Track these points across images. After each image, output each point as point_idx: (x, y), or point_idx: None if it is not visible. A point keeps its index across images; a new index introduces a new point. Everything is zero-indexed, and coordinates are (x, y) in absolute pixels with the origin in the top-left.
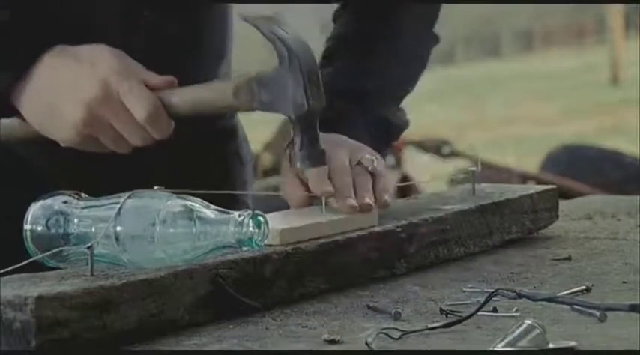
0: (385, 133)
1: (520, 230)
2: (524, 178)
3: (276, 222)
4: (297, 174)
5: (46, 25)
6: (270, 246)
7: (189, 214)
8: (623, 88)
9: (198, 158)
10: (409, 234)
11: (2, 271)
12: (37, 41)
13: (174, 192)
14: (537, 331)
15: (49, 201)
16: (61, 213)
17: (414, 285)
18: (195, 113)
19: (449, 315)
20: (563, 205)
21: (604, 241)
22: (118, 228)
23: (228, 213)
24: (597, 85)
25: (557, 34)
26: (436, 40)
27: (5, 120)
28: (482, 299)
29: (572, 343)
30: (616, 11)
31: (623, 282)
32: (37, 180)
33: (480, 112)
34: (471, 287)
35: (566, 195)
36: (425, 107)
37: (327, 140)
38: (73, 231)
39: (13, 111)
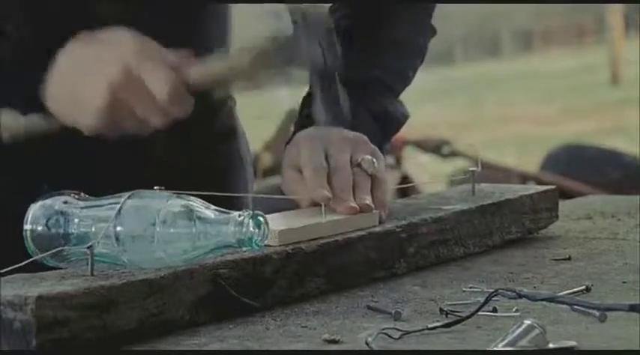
0: (386, 125)
1: (520, 230)
2: (524, 178)
3: (275, 222)
4: (297, 169)
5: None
6: (270, 246)
7: (190, 214)
8: (623, 87)
9: (199, 158)
10: (409, 234)
11: (2, 271)
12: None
13: (174, 192)
14: (537, 331)
15: (49, 201)
16: (61, 212)
17: (414, 285)
18: (215, 86)
19: (449, 315)
20: (563, 205)
21: (604, 241)
22: (118, 228)
23: (228, 213)
24: (597, 84)
25: (557, 34)
26: (433, 31)
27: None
28: (482, 299)
29: (572, 343)
30: (616, 11)
31: (623, 282)
32: (37, 177)
33: (479, 112)
34: (470, 287)
35: (566, 195)
36: (425, 107)
37: (328, 135)
38: (73, 230)
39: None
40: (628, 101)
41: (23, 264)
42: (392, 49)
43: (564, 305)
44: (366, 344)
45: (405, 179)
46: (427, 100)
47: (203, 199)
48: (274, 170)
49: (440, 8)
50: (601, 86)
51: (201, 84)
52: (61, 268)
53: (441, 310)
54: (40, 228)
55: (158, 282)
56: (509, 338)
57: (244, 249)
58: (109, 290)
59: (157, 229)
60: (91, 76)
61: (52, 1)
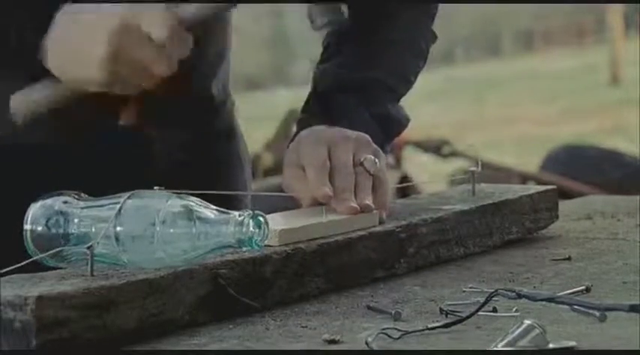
0: (387, 127)
1: (520, 230)
2: (524, 178)
3: (275, 222)
4: (299, 167)
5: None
6: (270, 246)
7: (189, 214)
8: (623, 87)
9: (198, 159)
10: (409, 234)
11: (2, 271)
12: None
13: (173, 192)
14: (537, 331)
15: (49, 201)
16: (61, 213)
17: (414, 285)
18: (210, 17)
19: (449, 315)
20: (563, 205)
21: (604, 241)
22: (118, 228)
23: (228, 213)
24: (597, 84)
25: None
26: (434, 36)
27: (23, 94)
28: (482, 300)
29: (572, 343)
30: (616, 11)
31: (623, 282)
32: (37, 177)
33: (480, 112)
34: (470, 288)
35: (566, 195)
36: (425, 107)
37: (331, 134)
38: (73, 231)
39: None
40: (628, 101)
41: (23, 264)
42: (392, 51)
43: (564, 306)
44: (366, 344)
45: (404, 179)
46: (427, 100)
47: (203, 198)
48: (274, 170)
49: (441, 9)
50: (601, 86)
51: (195, 21)
52: (61, 268)
53: (441, 310)
54: (39, 228)
55: (158, 282)
56: (509, 338)
57: (244, 249)
58: (109, 290)
59: (156, 229)
60: (90, 30)
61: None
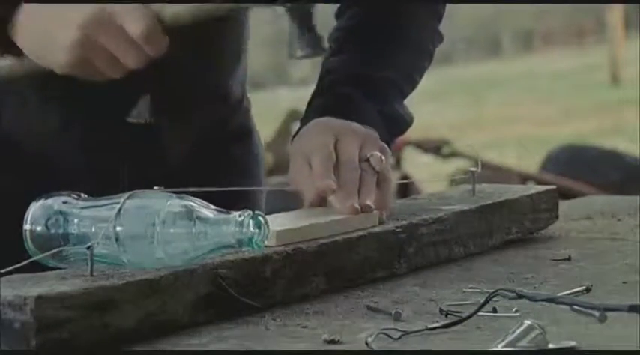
0: (393, 126)
1: (520, 230)
2: (524, 178)
3: (273, 223)
4: (305, 158)
5: None
6: (269, 246)
7: (190, 214)
8: (623, 87)
9: (216, 159)
10: (409, 234)
11: (2, 271)
12: None
13: (172, 191)
14: (537, 331)
15: (48, 201)
16: (61, 213)
17: (414, 286)
18: (188, 22)
19: (449, 315)
20: (563, 205)
21: (604, 241)
22: (118, 228)
23: (228, 214)
24: (597, 85)
25: (557, 34)
26: (441, 37)
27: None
28: (482, 300)
29: (572, 343)
30: (616, 11)
31: (623, 283)
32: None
33: (480, 112)
34: (470, 288)
35: (566, 195)
36: (425, 107)
37: (339, 126)
38: (72, 231)
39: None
40: (628, 101)
41: (23, 264)
42: (402, 50)
43: (564, 306)
44: (366, 344)
45: (405, 179)
46: (427, 100)
47: (219, 198)
48: (275, 170)
49: None
50: (601, 86)
51: (174, 22)
52: (61, 268)
53: (441, 310)
54: (39, 228)
55: (158, 282)
56: (509, 338)
57: (244, 249)
58: (109, 290)
59: (156, 229)
60: (63, 17)
61: None
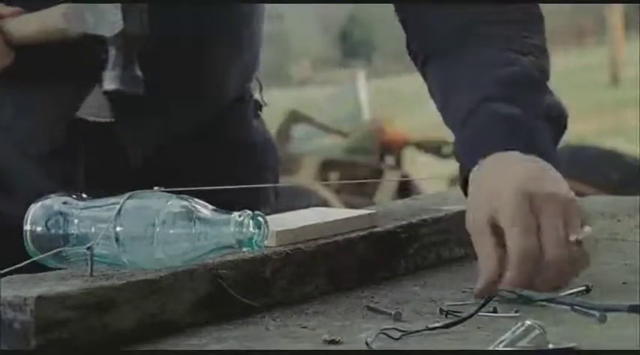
0: (560, 126)
1: None
2: None
3: (273, 223)
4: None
5: None
6: (269, 247)
7: (189, 215)
8: (623, 88)
9: (235, 171)
10: (409, 234)
11: (2, 271)
12: None
13: (170, 190)
14: (537, 331)
15: (48, 202)
16: (61, 213)
17: (414, 286)
18: (30, 40)
19: (449, 316)
20: None
21: (604, 241)
22: (118, 229)
23: (228, 214)
24: (597, 85)
25: (557, 35)
26: (542, 51)
27: None
28: (482, 300)
29: (572, 344)
30: (616, 11)
31: (623, 283)
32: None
33: None
34: (471, 288)
35: None
36: (425, 107)
37: (538, 188)
38: (72, 231)
39: None
40: (628, 101)
41: (23, 264)
42: (533, 41)
43: (564, 306)
44: (366, 344)
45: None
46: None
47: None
48: None
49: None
50: (601, 86)
51: (18, 36)
52: (61, 269)
53: (441, 310)
54: (39, 229)
55: (158, 283)
56: (510, 338)
57: (244, 249)
58: (109, 290)
59: (156, 230)
60: None
61: None
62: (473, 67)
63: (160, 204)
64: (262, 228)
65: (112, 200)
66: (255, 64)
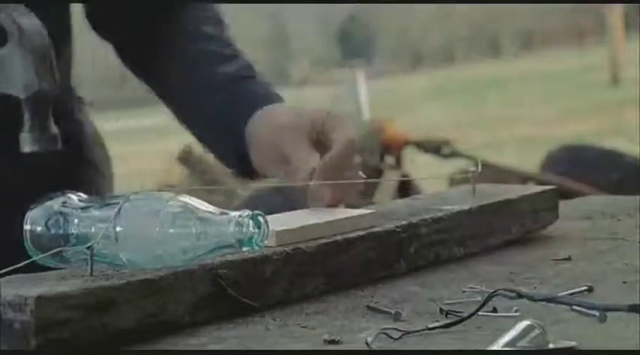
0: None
1: (520, 230)
2: (525, 178)
3: (273, 223)
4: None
5: None
6: (269, 247)
7: (189, 214)
8: (623, 88)
9: (45, 166)
10: (409, 234)
11: (2, 271)
12: None
13: (174, 192)
14: (537, 331)
15: (48, 202)
16: (61, 213)
17: (414, 285)
18: None
19: (449, 315)
20: (564, 205)
21: (604, 241)
22: (118, 228)
23: (228, 213)
24: (597, 85)
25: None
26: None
27: None
28: (482, 300)
29: (572, 343)
30: (616, 11)
31: (623, 282)
32: None
33: (480, 112)
34: (470, 288)
35: (567, 195)
36: (425, 107)
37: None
38: (72, 231)
39: None
40: (628, 101)
41: (23, 264)
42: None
43: (564, 306)
44: (366, 344)
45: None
46: (427, 100)
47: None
48: None
49: (441, 8)
50: (601, 86)
51: None
52: (61, 268)
53: (441, 310)
54: (39, 229)
55: (158, 282)
56: (509, 338)
57: (244, 249)
58: (109, 290)
59: (156, 229)
60: None
61: None
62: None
63: (160, 204)
64: (262, 228)
65: (112, 199)
66: (72, 60)
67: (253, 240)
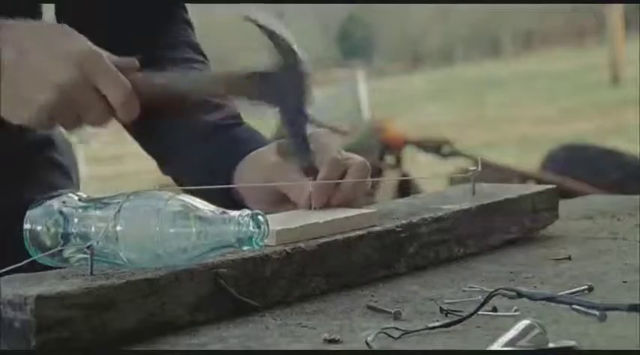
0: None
1: (520, 230)
2: (524, 178)
3: (273, 222)
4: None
5: None
6: (269, 246)
7: (189, 214)
8: (623, 87)
9: (11, 167)
10: (409, 233)
11: (2, 271)
12: None
13: (173, 191)
14: (537, 330)
15: (48, 201)
16: (61, 212)
17: (414, 285)
18: (168, 100)
19: (449, 315)
20: (563, 205)
21: (604, 241)
22: (118, 228)
23: (228, 213)
24: (597, 84)
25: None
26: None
27: None
28: (482, 299)
29: (572, 342)
30: (616, 11)
31: (624, 282)
32: None
33: (480, 112)
34: (470, 287)
35: (567, 194)
36: (425, 107)
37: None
38: (72, 230)
39: None
40: (628, 101)
41: (23, 263)
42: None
43: (564, 305)
44: (366, 343)
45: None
46: (427, 100)
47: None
48: None
49: (441, 8)
50: (601, 86)
51: (152, 93)
52: (61, 268)
53: (441, 309)
54: (39, 228)
55: (158, 282)
56: (509, 337)
57: (244, 248)
58: (109, 289)
59: (156, 229)
60: (40, 73)
61: None
62: None
63: (160, 203)
64: (262, 227)
65: (112, 199)
66: None
67: (253, 240)
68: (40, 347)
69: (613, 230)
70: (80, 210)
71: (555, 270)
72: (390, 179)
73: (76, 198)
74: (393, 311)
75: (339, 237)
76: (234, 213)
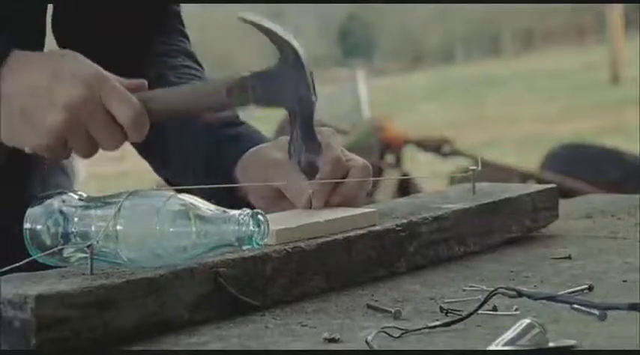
0: None
1: (520, 229)
2: (525, 177)
3: (273, 221)
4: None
5: None
6: (269, 245)
7: (189, 213)
8: (623, 87)
9: (10, 166)
10: (409, 232)
11: (2, 270)
12: None
13: (171, 188)
14: (537, 330)
15: (48, 200)
16: (61, 212)
17: (414, 284)
18: (177, 115)
19: (449, 314)
20: (564, 204)
21: (604, 240)
22: (118, 227)
23: (228, 212)
24: (597, 84)
25: (557, 34)
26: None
27: None
28: (482, 298)
29: (572, 342)
30: (616, 10)
31: (624, 281)
32: None
33: (480, 111)
34: (471, 286)
35: (567, 194)
36: (425, 106)
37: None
38: (72, 229)
39: None
40: (628, 101)
41: (23, 263)
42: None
43: (564, 304)
44: (366, 343)
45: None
46: (428, 99)
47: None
48: None
49: (441, 8)
50: (601, 85)
51: (163, 112)
52: (61, 267)
53: (441, 309)
54: (39, 227)
55: (158, 281)
56: (510, 336)
57: (244, 247)
58: (109, 289)
59: (156, 228)
60: (46, 96)
61: None
62: None
63: (160, 202)
64: (262, 226)
65: (112, 198)
66: None
67: (253, 239)
68: (40, 346)
69: (613, 229)
70: (80, 210)
71: (555, 269)
72: (390, 178)
73: (76, 197)
74: (393, 311)
75: (339, 236)
76: (234, 213)
